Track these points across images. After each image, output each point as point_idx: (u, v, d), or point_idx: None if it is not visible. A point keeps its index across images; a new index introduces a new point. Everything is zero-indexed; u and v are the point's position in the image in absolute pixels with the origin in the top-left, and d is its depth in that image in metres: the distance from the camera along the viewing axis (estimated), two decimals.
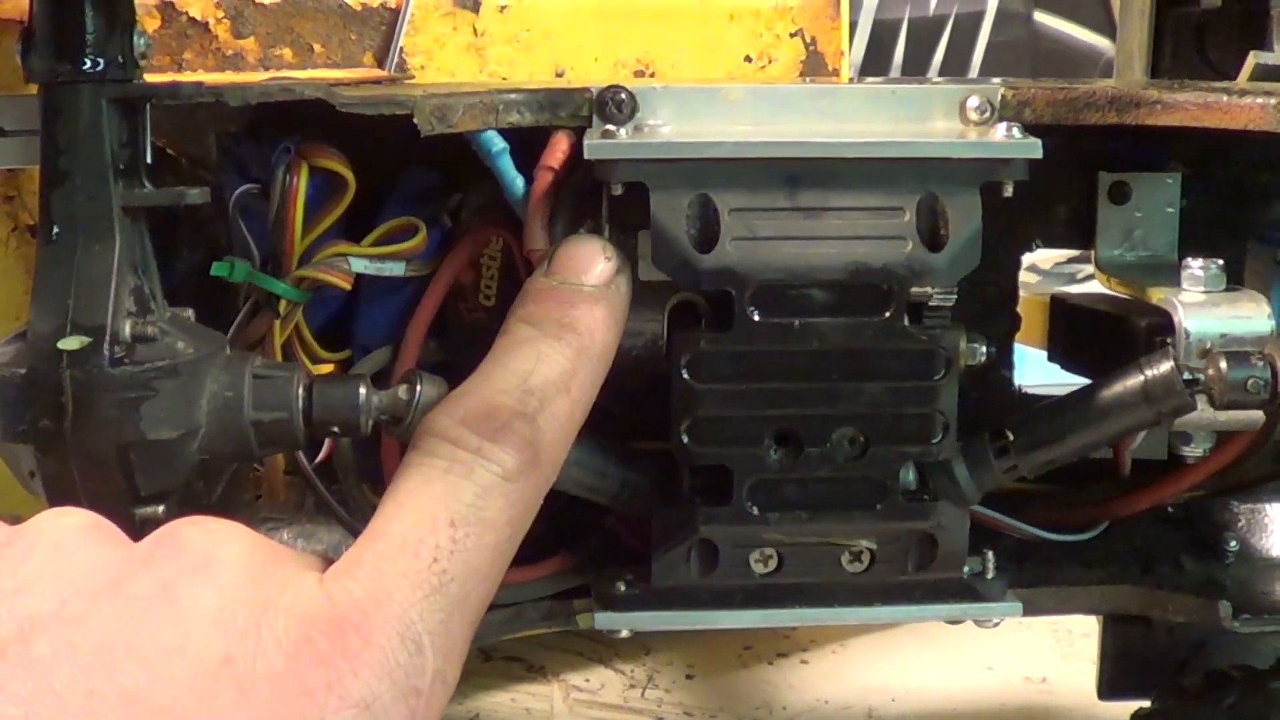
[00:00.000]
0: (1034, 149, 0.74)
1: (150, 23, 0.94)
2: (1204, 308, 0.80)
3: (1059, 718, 1.16)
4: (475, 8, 0.98)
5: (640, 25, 1.01)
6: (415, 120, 0.73)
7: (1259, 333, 0.79)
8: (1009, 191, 0.75)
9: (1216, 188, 0.90)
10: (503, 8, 0.99)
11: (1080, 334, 0.91)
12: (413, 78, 0.96)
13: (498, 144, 0.76)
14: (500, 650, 1.26)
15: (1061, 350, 0.93)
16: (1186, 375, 0.76)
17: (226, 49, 0.93)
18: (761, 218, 0.72)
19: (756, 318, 0.72)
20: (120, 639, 0.54)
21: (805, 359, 0.73)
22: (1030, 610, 0.84)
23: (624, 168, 0.72)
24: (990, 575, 0.79)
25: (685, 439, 0.74)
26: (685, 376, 0.73)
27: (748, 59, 1.06)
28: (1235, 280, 0.86)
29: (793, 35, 1.05)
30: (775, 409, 0.74)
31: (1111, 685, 0.99)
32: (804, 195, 0.73)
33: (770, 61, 1.05)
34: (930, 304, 0.76)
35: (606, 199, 0.74)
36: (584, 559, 0.82)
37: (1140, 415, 0.77)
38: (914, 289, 0.73)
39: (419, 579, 0.57)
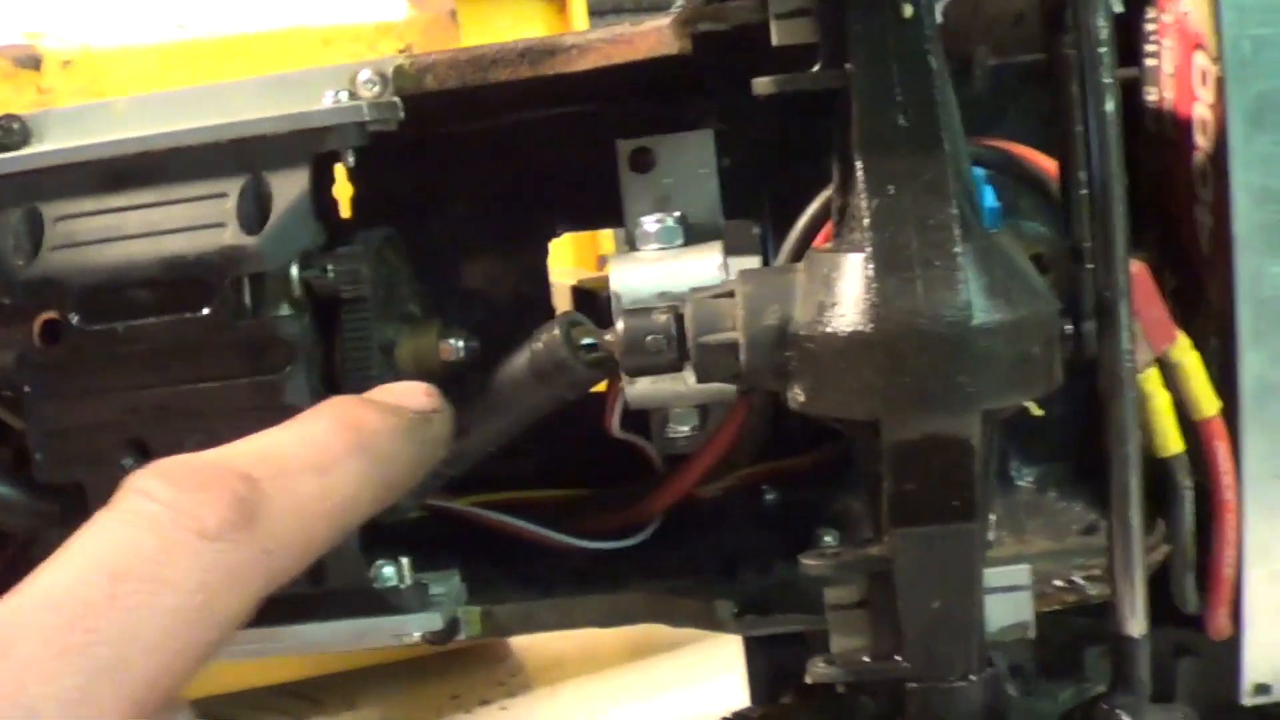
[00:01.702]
0: (355, 113, 0.69)
1: None
2: (643, 266, 0.73)
3: None
4: (36, 66, 0.98)
5: (222, 63, 0.98)
6: None
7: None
8: (350, 161, 0.69)
9: (757, 141, 0.81)
10: (66, 63, 0.98)
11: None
12: None
13: None
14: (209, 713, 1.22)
15: None
16: (587, 340, 0.69)
17: None
18: (84, 222, 0.69)
19: (82, 324, 0.69)
20: None
21: (141, 363, 0.69)
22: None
23: None
24: (405, 585, 0.72)
25: (38, 457, 0.70)
26: (28, 391, 0.70)
27: None
28: None
29: (401, 52, 1.00)
30: (120, 419, 0.70)
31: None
32: (128, 195, 0.70)
33: None
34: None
35: None
36: None
37: (536, 392, 0.70)
38: (241, 274, 0.69)
39: (52, 636, 0.48)
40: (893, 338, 0.60)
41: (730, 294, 0.66)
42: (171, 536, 0.51)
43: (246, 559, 0.53)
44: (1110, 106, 0.65)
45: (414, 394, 0.67)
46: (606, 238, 0.88)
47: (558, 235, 0.84)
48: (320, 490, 0.57)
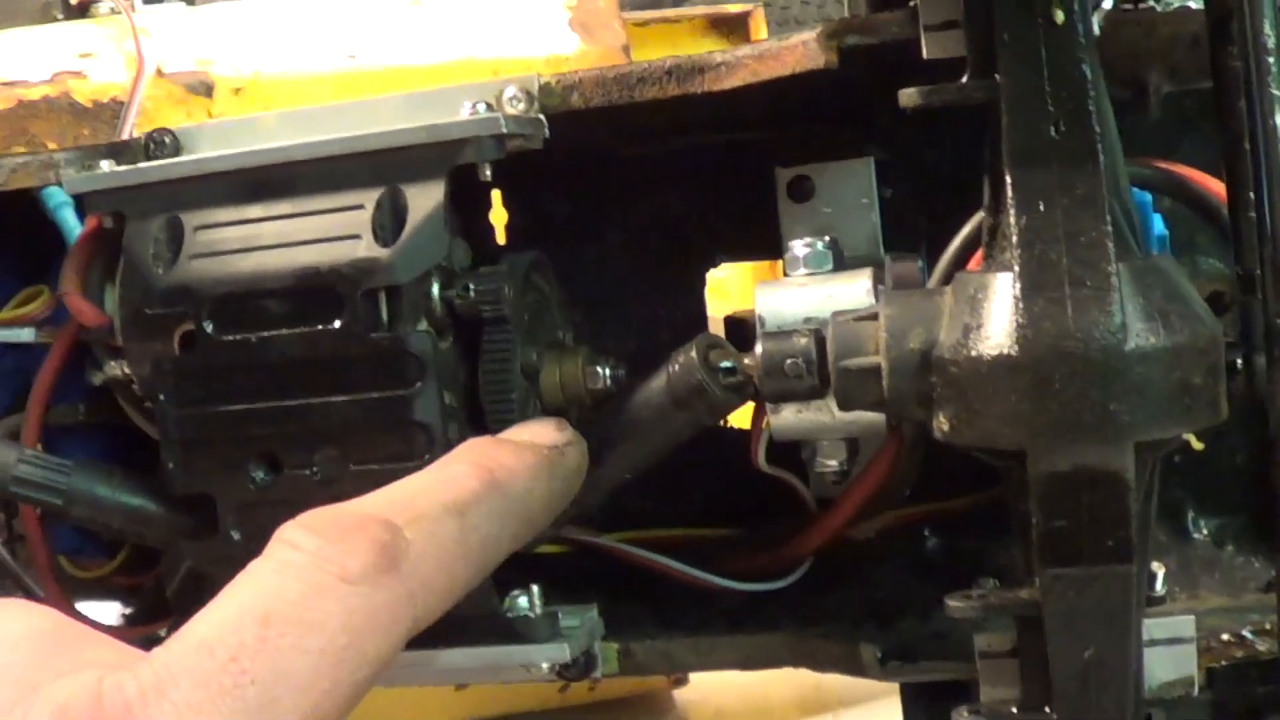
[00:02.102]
0: (493, 125, 0.67)
1: None
2: (789, 290, 0.70)
3: None
4: (208, 93, 0.99)
5: (383, 89, 0.98)
6: None
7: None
8: (487, 175, 0.68)
9: (921, 172, 0.78)
10: (237, 90, 0.99)
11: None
12: None
13: (57, 198, 0.77)
14: None
15: None
16: (725, 364, 0.66)
17: None
18: (222, 232, 0.69)
19: (216, 334, 0.68)
20: None
21: (273, 375, 0.68)
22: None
23: (103, 199, 0.71)
24: (535, 613, 0.69)
25: (171, 466, 0.70)
26: (162, 400, 0.70)
27: None
28: None
29: None
30: (251, 430, 0.69)
31: None
32: (266, 205, 0.69)
33: None
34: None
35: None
36: None
37: (673, 417, 0.67)
38: (374, 286, 0.67)
39: (206, 678, 0.50)
40: (1040, 361, 0.57)
41: (874, 317, 0.63)
42: (316, 582, 0.53)
43: (390, 601, 0.55)
44: (1278, 120, 0.60)
45: (546, 430, 0.67)
46: None
47: (716, 265, 0.81)
48: (459, 531, 0.59)
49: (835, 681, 1.16)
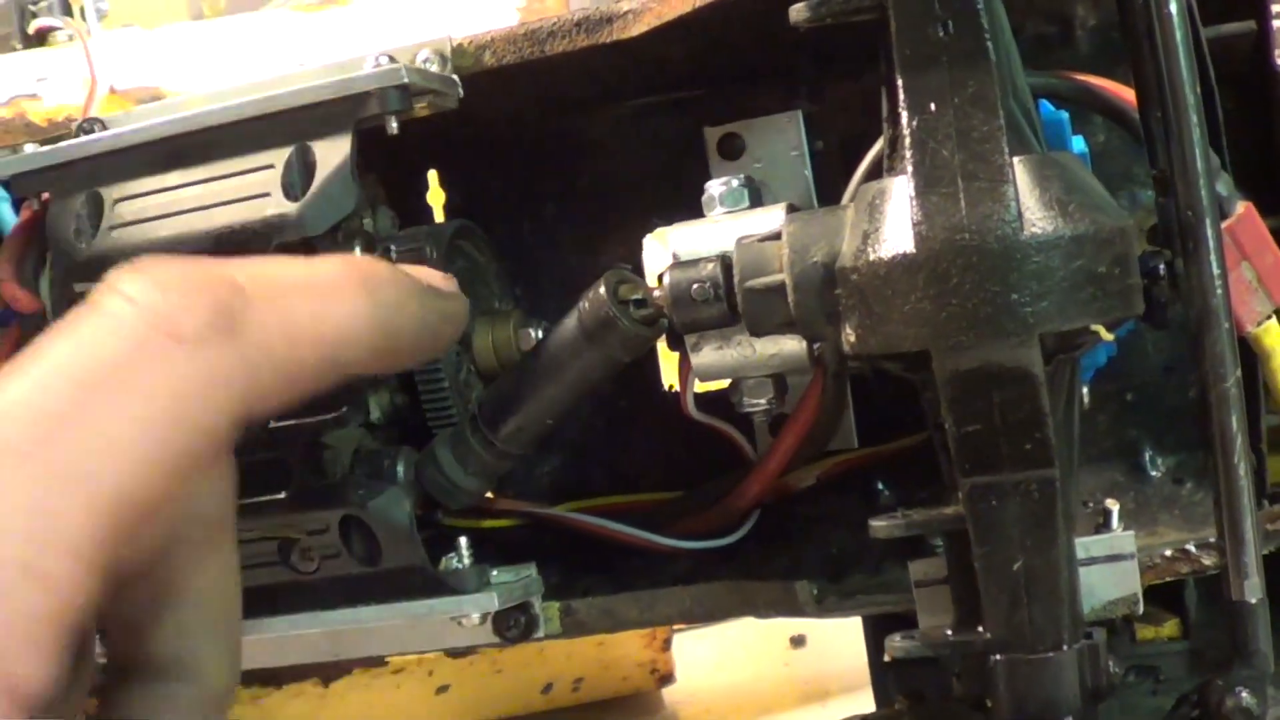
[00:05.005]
0: (394, 75, 0.67)
1: None
2: (704, 227, 0.70)
3: None
4: None
5: None
6: None
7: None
8: (393, 128, 0.68)
9: (851, 124, 0.77)
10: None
11: None
12: None
13: None
14: None
15: None
16: (635, 296, 0.66)
17: None
18: (142, 202, 0.70)
19: None
20: None
21: None
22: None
23: (29, 180, 0.72)
24: (463, 564, 0.69)
25: None
26: None
27: None
28: None
29: None
30: None
31: None
32: (184, 172, 0.70)
33: None
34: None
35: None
36: None
37: (587, 353, 0.67)
38: (285, 241, 0.67)
39: (10, 445, 0.45)
40: (936, 257, 0.56)
41: (778, 237, 0.63)
42: (144, 341, 0.47)
43: (223, 367, 0.49)
44: (1173, 8, 0.60)
45: (431, 273, 0.62)
46: None
47: (652, 230, 0.81)
48: (313, 314, 0.53)
49: (825, 677, 1.14)
